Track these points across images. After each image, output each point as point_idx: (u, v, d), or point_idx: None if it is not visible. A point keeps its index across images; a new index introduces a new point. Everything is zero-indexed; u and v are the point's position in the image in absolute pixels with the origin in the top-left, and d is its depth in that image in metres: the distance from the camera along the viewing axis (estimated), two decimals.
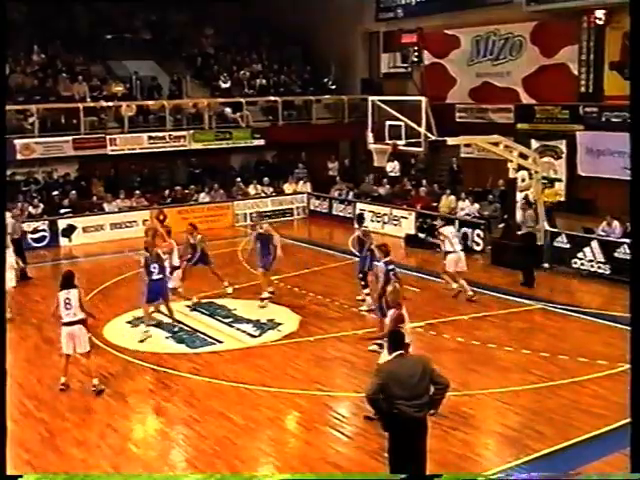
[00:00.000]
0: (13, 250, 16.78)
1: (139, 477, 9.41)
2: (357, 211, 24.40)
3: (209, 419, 10.75)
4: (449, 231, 16.61)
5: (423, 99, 18.29)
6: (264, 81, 30.14)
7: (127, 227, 23.58)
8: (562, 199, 22.93)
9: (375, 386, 7.59)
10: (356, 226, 16.99)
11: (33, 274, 19.08)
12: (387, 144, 18.59)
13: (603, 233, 18.40)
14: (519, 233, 18.26)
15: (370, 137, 19.12)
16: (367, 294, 15.52)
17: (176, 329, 14.58)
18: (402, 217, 23.20)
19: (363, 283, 15.73)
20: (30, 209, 22.51)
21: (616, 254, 17.25)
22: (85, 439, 10.19)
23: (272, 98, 28.90)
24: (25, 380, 12.31)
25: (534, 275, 17.39)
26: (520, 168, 19.16)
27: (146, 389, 11.46)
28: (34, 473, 9.12)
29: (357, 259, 16.57)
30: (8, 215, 21.55)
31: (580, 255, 18.05)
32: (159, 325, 14.72)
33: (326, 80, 31.16)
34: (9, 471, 9.07)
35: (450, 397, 9.19)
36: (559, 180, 23.17)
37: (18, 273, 17.08)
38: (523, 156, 19.19)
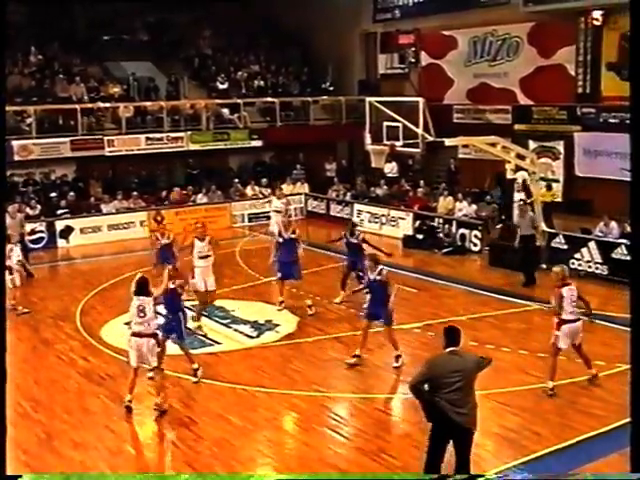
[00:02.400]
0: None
1: (134, 477, 9.41)
2: (354, 212, 24.57)
3: (207, 420, 10.74)
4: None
5: (420, 100, 18.32)
6: (262, 82, 30.14)
7: (125, 228, 23.52)
8: (559, 199, 22.93)
9: (419, 376, 7.89)
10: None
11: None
12: (385, 145, 18.61)
13: (600, 234, 18.39)
14: (520, 234, 18.13)
15: (368, 138, 19.14)
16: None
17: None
18: (400, 218, 23.17)
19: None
20: (28, 210, 22.44)
21: (613, 255, 17.23)
22: (82, 440, 10.17)
23: (270, 99, 28.89)
24: (22, 381, 12.28)
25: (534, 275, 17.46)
26: (518, 169, 19.17)
27: (144, 390, 11.42)
28: (32, 473, 9.11)
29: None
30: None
31: (577, 256, 18.02)
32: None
33: (324, 82, 31.13)
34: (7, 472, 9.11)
35: None
36: (557, 181, 23.18)
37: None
38: (521, 157, 19.19)
